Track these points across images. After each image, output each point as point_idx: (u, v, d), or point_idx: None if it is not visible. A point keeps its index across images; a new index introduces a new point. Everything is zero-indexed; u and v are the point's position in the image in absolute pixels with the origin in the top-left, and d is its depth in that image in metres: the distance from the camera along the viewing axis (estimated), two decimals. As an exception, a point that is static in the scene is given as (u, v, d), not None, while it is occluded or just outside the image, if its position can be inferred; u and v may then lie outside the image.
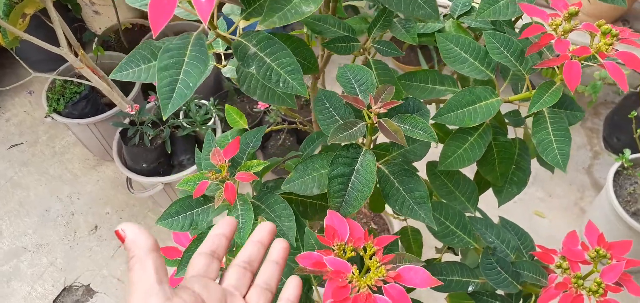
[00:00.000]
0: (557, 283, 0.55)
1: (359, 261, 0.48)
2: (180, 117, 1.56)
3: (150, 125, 1.54)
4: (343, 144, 0.49)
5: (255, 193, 0.61)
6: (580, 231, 1.56)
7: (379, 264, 0.44)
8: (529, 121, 0.68)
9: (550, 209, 1.65)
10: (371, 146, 0.53)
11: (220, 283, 0.37)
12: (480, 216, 0.63)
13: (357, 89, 0.52)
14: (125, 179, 1.58)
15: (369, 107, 0.49)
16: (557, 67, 0.50)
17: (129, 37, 2.07)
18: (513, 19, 0.72)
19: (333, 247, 0.45)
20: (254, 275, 0.38)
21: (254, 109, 1.82)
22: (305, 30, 0.76)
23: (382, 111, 0.47)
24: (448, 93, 0.61)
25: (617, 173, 1.30)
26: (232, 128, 0.78)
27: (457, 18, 0.68)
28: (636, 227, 1.20)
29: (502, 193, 0.67)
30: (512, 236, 0.60)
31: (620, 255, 0.56)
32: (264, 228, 0.40)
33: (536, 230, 1.60)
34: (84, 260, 1.68)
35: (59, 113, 1.72)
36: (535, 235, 1.58)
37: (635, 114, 1.08)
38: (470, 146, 0.58)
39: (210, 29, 0.51)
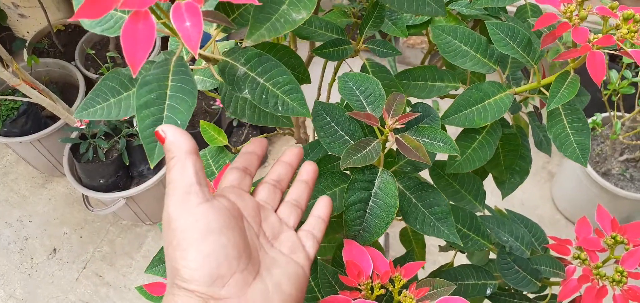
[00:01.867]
0: (579, 277, 0.53)
1: (386, 296, 0.44)
2: (135, 124, 1.45)
3: (103, 137, 1.43)
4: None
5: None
6: (550, 195, 1.59)
7: (413, 300, 0.39)
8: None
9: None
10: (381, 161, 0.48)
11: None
12: (490, 214, 0.60)
13: (364, 102, 0.47)
14: (79, 194, 1.46)
15: (381, 122, 0.44)
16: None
17: (63, 40, 1.90)
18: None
19: (360, 287, 0.40)
20: (283, 193, 0.40)
21: (212, 106, 1.73)
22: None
23: (399, 126, 0.43)
24: (449, 89, 0.57)
25: (585, 134, 1.33)
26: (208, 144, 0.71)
27: (446, 5, 0.63)
28: (608, 187, 1.23)
29: (505, 184, 0.64)
30: (525, 231, 0.58)
31: (636, 238, 0.55)
32: (292, 151, 0.42)
33: (508, 198, 1.62)
34: (47, 287, 1.56)
35: (-3, 133, 1.56)
36: (508, 203, 1.60)
37: (605, 79, 1.10)
38: (480, 145, 0.54)
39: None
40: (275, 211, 0.38)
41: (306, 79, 0.55)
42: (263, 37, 0.43)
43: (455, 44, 0.54)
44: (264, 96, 0.43)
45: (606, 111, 1.23)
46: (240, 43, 0.46)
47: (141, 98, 0.39)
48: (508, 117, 0.68)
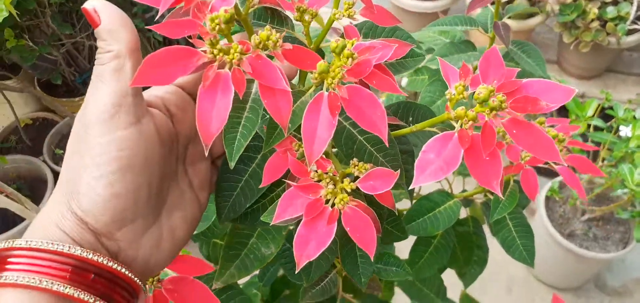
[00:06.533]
0: None
1: None
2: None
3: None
4: None
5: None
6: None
7: None
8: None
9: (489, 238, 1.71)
10: None
11: None
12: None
13: None
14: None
15: None
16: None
17: (31, 134, 1.90)
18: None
19: None
20: None
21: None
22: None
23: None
24: None
25: (547, 198, 1.38)
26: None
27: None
28: (573, 249, 1.27)
29: (466, 275, 0.67)
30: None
31: None
32: None
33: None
34: None
35: (-38, 237, 1.52)
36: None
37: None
38: (435, 249, 0.57)
39: None
40: None
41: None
42: (233, 277, 0.41)
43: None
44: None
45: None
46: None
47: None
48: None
